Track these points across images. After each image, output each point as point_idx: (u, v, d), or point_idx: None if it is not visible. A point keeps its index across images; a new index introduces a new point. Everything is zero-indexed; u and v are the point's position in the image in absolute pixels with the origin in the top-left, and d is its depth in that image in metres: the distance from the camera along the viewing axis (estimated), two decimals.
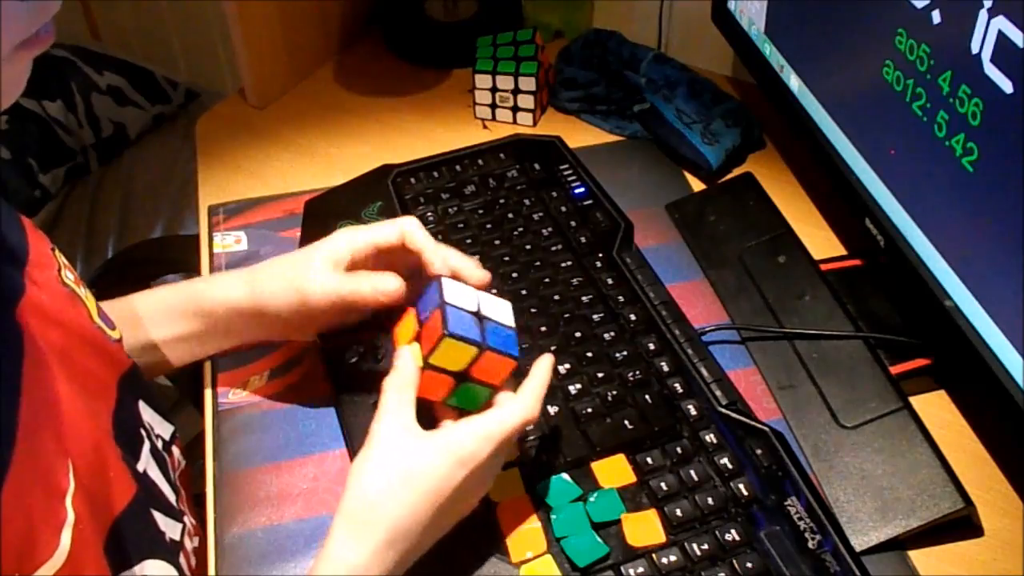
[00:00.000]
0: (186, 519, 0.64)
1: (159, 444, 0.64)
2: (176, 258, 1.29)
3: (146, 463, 0.60)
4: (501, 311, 0.62)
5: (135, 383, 0.63)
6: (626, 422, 0.67)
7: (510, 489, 0.64)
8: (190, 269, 1.22)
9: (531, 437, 0.66)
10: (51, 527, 0.47)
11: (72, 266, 0.62)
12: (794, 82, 0.83)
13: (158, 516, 0.59)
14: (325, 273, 0.65)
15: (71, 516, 0.48)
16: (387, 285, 0.64)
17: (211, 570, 0.65)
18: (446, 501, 0.56)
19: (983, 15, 0.56)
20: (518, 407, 0.58)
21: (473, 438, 0.56)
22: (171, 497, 0.62)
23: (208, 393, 0.75)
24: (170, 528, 0.60)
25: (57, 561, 0.46)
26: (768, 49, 0.87)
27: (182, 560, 0.61)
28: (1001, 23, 0.55)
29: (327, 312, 0.66)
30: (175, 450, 0.68)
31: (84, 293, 0.61)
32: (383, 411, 0.58)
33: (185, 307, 0.71)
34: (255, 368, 0.76)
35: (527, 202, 0.84)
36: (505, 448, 0.58)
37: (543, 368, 0.61)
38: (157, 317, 0.71)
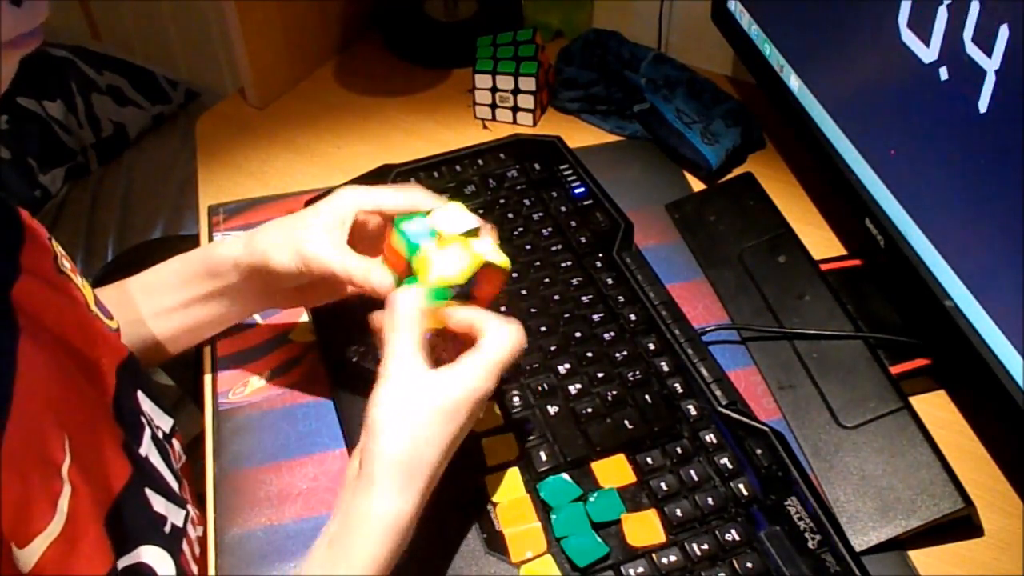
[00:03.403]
0: (189, 507, 0.64)
1: (159, 435, 0.65)
2: None
3: (148, 449, 0.61)
4: (463, 220, 0.62)
5: (133, 373, 0.63)
6: (626, 422, 0.67)
7: (510, 489, 0.64)
8: None
9: (531, 437, 0.66)
10: (47, 496, 0.47)
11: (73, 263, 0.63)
12: (794, 82, 0.83)
13: (159, 500, 0.59)
14: (324, 240, 0.64)
15: (67, 487, 0.48)
16: (380, 281, 0.62)
17: (211, 570, 0.65)
18: (461, 435, 0.57)
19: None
20: (510, 335, 0.58)
21: (483, 371, 0.57)
22: (174, 485, 0.63)
23: (208, 393, 0.75)
24: (172, 513, 0.60)
25: (53, 530, 0.47)
26: (768, 49, 0.87)
27: (185, 547, 0.61)
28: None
29: (327, 279, 0.65)
30: (175, 443, 0.68)
31: (80, 282, 0.62)
32: (397, 351, 0.57)
33: (196, 269, 0.71)
34: (255, 368, 0.76)
35: (527, 202, 0.84)
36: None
37: None
38: (167, 284, 0.72)
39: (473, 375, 0.57)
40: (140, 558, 0.54)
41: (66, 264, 0.61)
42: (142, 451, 0.60)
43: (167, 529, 0.59)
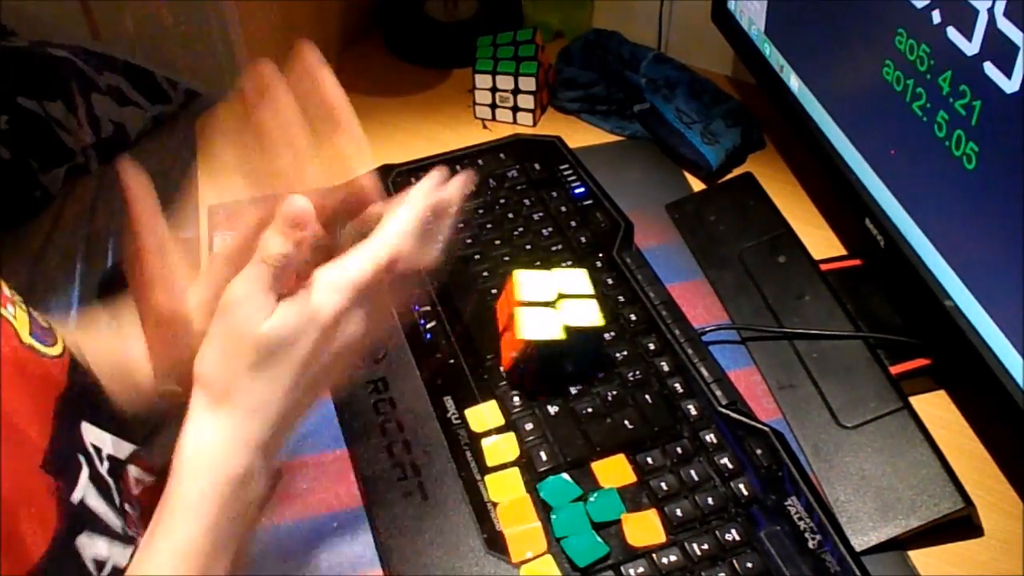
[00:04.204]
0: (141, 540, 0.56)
1: (104, 468, 0.58)
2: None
3: (84, 491, 0.55)
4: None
5: (78, 403, 0.57)
6: (626, 422, 0.67)
7: (510, 489, 0.64)
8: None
9: (531, 437, 0.66)
10: None
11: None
12: (794, 82, 0.83)
13: (100, 543, 0.54)
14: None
15: None
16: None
17: None
18: (304, 362, 0.52)
19: (983, 15, 0.56)
20: (365, 252, 0.53)
21: (319, 290, 0.52)
22: (116, 523, 0.56)
23: None
24: (116, 554, 0.55)
25: None
26: (768, 49, 0.87)
27: None
28: (1002, 23, 0.55)
29: None
30: (132, 469, 0.62)
31: (12, 312, 0.55)
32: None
33: None
34: None
35: (527, 202, 0.84)
36: (369, 292, 0.53)
37: (407, 199, 0.55)
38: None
39: (307, 298, 0.52)
40: None
41: None
42: (76, 496, 0.53)
43: (106, 572, 0.54)
